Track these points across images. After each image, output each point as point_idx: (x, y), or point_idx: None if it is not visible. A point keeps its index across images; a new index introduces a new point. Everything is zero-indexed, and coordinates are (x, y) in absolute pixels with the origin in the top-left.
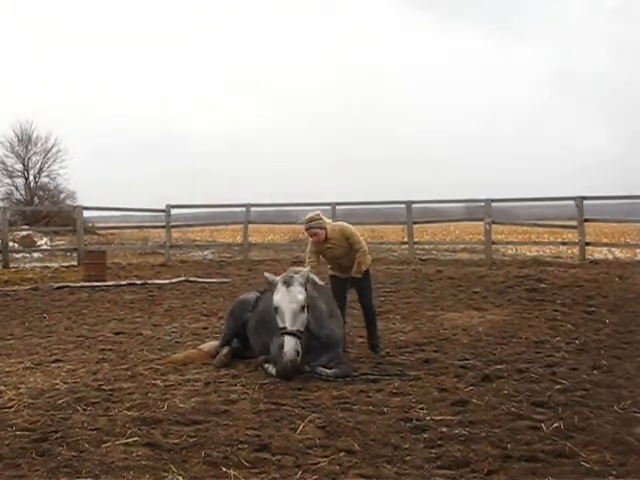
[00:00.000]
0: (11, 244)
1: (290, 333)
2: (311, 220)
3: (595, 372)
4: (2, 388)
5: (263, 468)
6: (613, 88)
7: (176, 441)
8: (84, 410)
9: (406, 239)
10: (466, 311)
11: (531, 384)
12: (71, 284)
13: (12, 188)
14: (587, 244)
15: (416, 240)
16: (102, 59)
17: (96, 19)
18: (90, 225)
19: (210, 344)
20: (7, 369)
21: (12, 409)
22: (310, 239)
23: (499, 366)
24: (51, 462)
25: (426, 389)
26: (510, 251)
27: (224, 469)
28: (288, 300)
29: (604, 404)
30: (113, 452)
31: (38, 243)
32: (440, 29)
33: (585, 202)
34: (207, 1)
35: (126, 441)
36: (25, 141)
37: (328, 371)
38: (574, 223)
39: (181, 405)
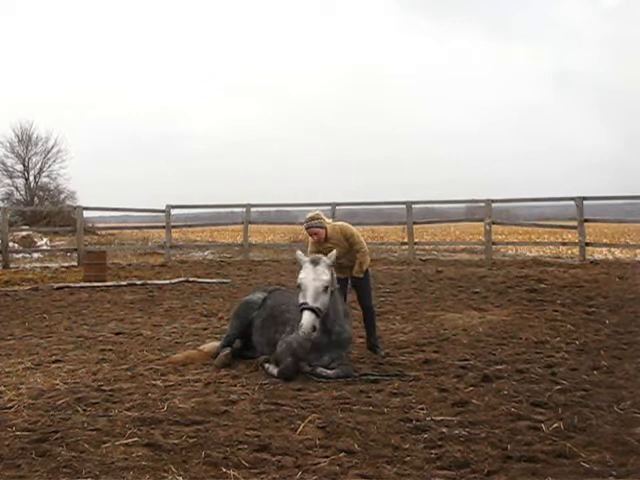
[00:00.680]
0: (11, 244)
1: (310, 308)
2: (311, 219)
3: (595, 372)
4: (2, 388)
5: (263, 468)
6: (613, 88)
7: (176, 441)
8: (84, 410)
9: (406, 239)
10: (466, 311)
11: (531, 384)
12: (71, 284)
13: (12, 188)
14: (587, 244)
15: (416, 240)
16: (102, 59)
17: (97, 19)
18: (90, 225)
19: (210, 345)
20: (7, 369)
21: (12, 409)
22: (310, 239)
23: (499, 366)
24: (51, 462)
25: (426, 389)
26: (510, 251)
27: (224, 469)
28: (312, 277)
29: (604, 404)
30: (113, 452)
31: (38, 243)
32: (440, 30)
33: (585, 202)
34: (208, 3)
35: (126, 441)
36: (25, 141)
37: (329, 372)
38: (574, 223)
39: (181, 405)
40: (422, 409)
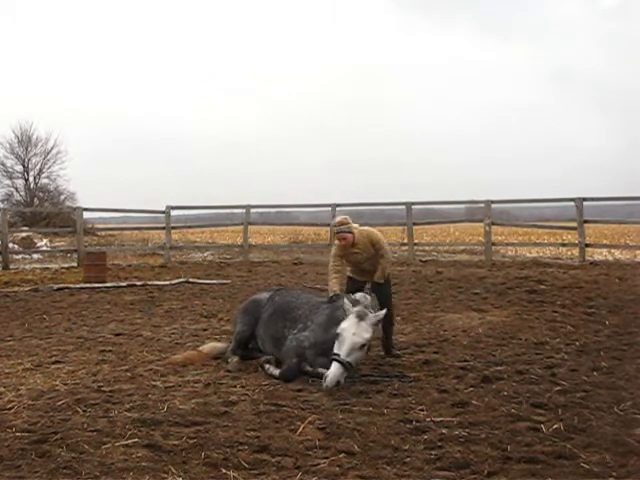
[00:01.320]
0: (11, 245)
1: (341, 362)
2: (341, 224)
3: (595, 373)
4: (2, 389)
5: (263, 469)
6: (613, 88)
7: (176, 442)
8: (84, 411)
9: (406, 240)
10: (466, 312)
11: (531, 385)
12: (71, 285)
13: (12, 189)
14: (587, 245)
15: (416, 241)
16: (102, 60)
17: (97, 20)
18: (90, 226)
19: (210, 345)
20: (7, 370)
21: (12, 410)
22: (337, 242)
23: (499, 367)
24: (51, 463)
25: (426, 390)
26: (510, 252)
27: (224, 470)
28: (353, 332)
29: (604, 405)
30: (113, 453)
31: (38, 244)
32: (440, 30)
33: (585, 203)
34: (208, 3)
35: (126, 442)
36: (25, 142)
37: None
38: (574, 224)
39: (181, 406)
40: (422, 410)
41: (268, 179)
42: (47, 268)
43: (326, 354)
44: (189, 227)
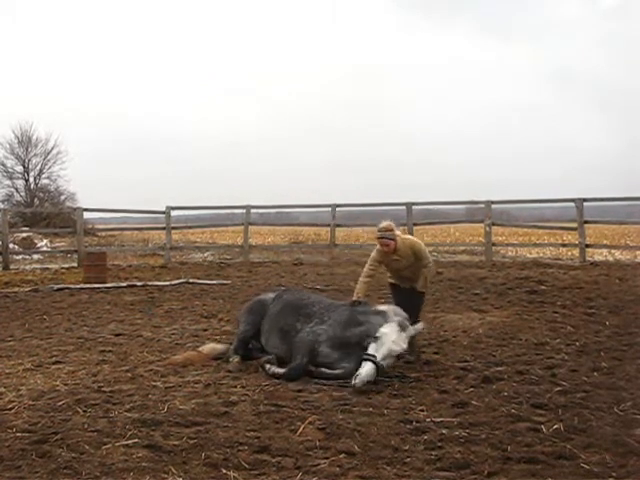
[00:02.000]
0: (11, 246)
1: (375, 363)
2: (385, 230)
3: (595, 374)
4: (2, 390)
5: (263, 470)
6: (614, 89)
7: (176, 443)
8: (84, 412)
9: None
10: (466, 313)
11: (531, 386)
12: (71, 286)
13: (12, 190)
14: (587, 246)
15: None
16: (102, 60)
17: (97, 20)
18: (90, 227)
19: (210, 346)
20: (7, 371)
21: (12, 411)
22: (378, 247)
23: (499, 368)
24: (51, 464)
25: (426, 391)
26: (510, 253)
27: (224, 471)
28: (393, 339)
29: (604, 406)
30: (113, 454)
31: (38, 245)
32: (440, 30)
33: (585, 204)
34: (208, 3)
35: (126, 443)
36: (25, 143)
37: (329, 372)
38: (574, 225)
39: (181, 407)
40: (422, 410)
41: (268, 179)
42: (47, 268)
43: (340, 349)
44: (189, 227)
